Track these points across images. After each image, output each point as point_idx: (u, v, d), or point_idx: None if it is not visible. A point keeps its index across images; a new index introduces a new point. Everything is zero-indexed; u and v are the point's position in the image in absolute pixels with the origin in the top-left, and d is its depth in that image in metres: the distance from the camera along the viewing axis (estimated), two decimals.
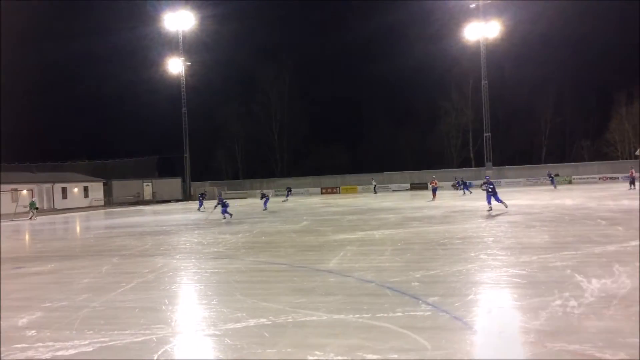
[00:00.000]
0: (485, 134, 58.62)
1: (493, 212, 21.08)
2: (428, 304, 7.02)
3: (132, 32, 74.03)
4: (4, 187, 41.47)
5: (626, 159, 59.26)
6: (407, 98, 75.43)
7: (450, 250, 11.87)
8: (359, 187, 60.46)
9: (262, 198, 33.35)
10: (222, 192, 40.84)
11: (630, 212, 18.49)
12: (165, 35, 62.76)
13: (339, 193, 59.12)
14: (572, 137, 72.20)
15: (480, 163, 63.17)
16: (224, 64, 74.97)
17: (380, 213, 24.41)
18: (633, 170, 37.19)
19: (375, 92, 77.79)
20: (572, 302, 6.67)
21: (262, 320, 6.59)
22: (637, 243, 11.26)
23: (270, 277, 10.01)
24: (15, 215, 36.78)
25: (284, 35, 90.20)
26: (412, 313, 6.61)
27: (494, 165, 58.70)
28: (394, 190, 58.38)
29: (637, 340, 5.14)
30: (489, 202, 21.67)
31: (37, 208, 35.44)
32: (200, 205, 35.39)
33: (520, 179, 55.01)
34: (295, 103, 75.02)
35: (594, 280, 7.79)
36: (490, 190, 21.70)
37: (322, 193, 59.14)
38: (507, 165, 60.92)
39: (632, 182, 35.19)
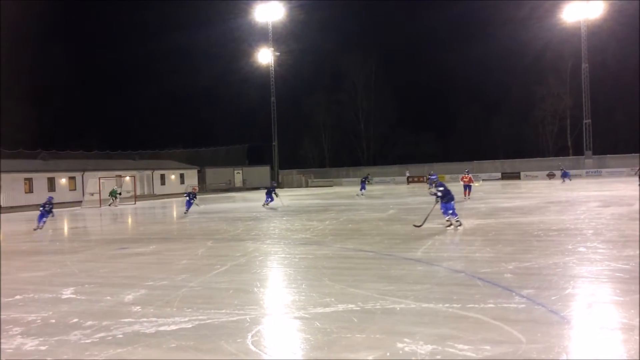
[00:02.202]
0: (584, 121, 55.18)
1: (593, 203, 19.83)
2: (522, 296, 6.78)
3: (224, 25, 76.69)
4: (109, 173, 44.60)
5: None
6: (498, 84, 72.37)
7: (545, 242, 11.35)
8: (447, 177, 59.07)
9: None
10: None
11: None
12: (255, 26, 64.33)
13: (426, 182, 58.12)
14: None
15: (578, 152, 59.60)
16: (312, 53, 75.67)
17: (470, 202, 23.75)
18: None
19: (464, 78, 75.22)
20: None
21: (350, 305, 6.67)
22: None
23: (358, 264, 10.08)
24: (120, 200, 39.44)
25: (370, 23, 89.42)
26: (504, 305, 6.42)
27: (594, 154, 55.16)
28: (483, 180, 56.52)
29: None
30: (445, 213, 14.82)
31: (119, 194, 37.59)
32: (189, 207, 24.98)
33: (624, 169, 51.20)
34: (382, 91, 74.35)
35: None
36: (439, 195, 14.85)
37: (407, 182, 58.37)
38: (609, 154, 56.90)
39: None
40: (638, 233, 11.77)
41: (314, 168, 72.82)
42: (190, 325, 6.10)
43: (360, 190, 35.76)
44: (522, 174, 56.11)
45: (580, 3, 52.76)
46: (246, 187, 60.00)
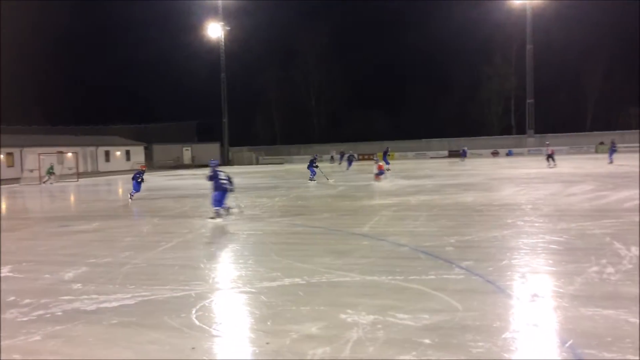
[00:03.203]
0: (528, 101, 57.00)
1: (531, 180, 20.67)
2: (461, 267, 7.04)
3: None
4: (50, 149, 42.89)
5: None
6: (448, 64, 73.47)
7: (486, 217, 11.78)
8: (397, 154, 59.99)
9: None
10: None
11: None
12: None
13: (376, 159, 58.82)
14: (620, 104, 69.27)
15: (521, 131, 61.64)
16: (263, 28, 74.36)
17: (417, 180, 24.25)
18: None
19: (415, 57, 75.93)
20: (609, 269, 6.58)
21: (296, 279, 6.75)
22: None
23: (306, 239, 10.18)
24: (61, 177, 38.04)
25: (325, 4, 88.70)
26: (444, 276, 6.65)
27: (536, 132, 57.18)
28: (431, 158, 57.76)
29: None
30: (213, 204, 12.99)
31: (53, 173, 36.28)
32: (136, 189, 19.41)
33: (564, 147, 53.39)
34: (334, 68, 74.22)
35: (633, 248, 7.63)
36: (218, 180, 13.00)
37: (359, 159, 58.89)
38: (551, 133, 59.15)
39: None
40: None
41: (265, 145, 72.32)
42: (133, 302, 6.03)
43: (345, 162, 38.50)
44: (468, 152, 57.61)
45: None
46: (195, 164, 59.06)
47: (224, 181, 12.80)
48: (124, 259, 8.54)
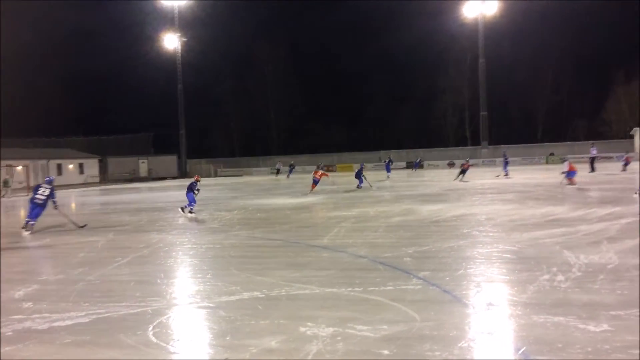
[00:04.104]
0: (481, 113, 58.56)
1: (487, 191, 21.21)
2: (419, 278, 7.15)
3: (126, 6, 73.00)
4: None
5: (621, 138, 59.33)
6: (405, 76, 75.05)
7: (443, 227, 12.01)
8: (355, 166, 60.52)
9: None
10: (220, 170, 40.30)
11: (623, 191, 18.64)
12: (161, 9, 61.95)
13: (335, 171, 59.14)
14: (569, 116, 72.08)
15: (476, 142, 63.24)
16: (221, 40, 74.26)
17: (376, 191, 24.52)
18: (629, 155, 36.59)
19: (374, 69, 77.31)
20: (560, 277, 6.81)
21: (255, 293, 6.71)
22: (629, 220, 11.41)
23: (265, 252, 10.13)
24: (12, 191, 36.65)
25: (282, 11, 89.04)
26: (403, 287, 6.74)
27: (490, 144, 58.77)
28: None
29: (621, 312, 5.27)
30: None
31: (9, 187, 35.15)
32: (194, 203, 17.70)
33: (516, 158, 55.01)
34: (292, 80, 74.55)
35: (581, 256, 7.93)
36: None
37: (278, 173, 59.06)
38: (504, 144, 60.89)
39: (625, 164, 34.31)
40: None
41: (224, 157, 71.73)
42: (87, 320, 5.86)
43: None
44: (425, 163, 58.67)
45: (477, 0, 55.77)
46: (152, 177, 57.96)
47: (40, 197, 13.97)
48: (77, 275, 8.29)
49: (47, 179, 14.57)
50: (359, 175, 26.64)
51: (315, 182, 24.42)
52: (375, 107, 75.15)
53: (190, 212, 16.47)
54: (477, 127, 62.28)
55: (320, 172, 25.25)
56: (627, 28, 65.40)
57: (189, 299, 6.79)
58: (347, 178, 40.38)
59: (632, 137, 53.89)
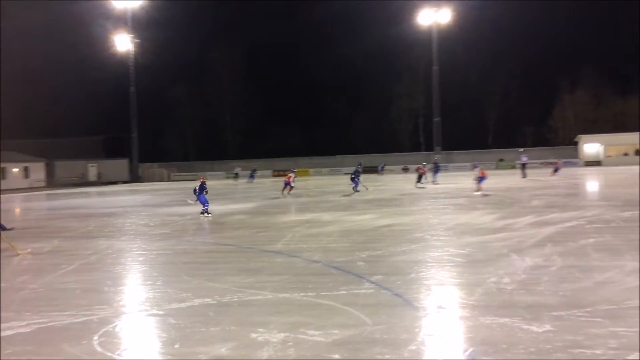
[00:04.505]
0: (434, 119, 59.77)
1: (440, 195, 21.64)
2: (371, 282, 7.21)
3: (76, 6, 70.81)
4: None
5: (567, 145, 61.75)
6: (362, 82, 75.81)
7: (396, 232, 12.17)
8: (311, 170, 60.68)
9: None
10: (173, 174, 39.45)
11: (566, 196, 19.38)
12: (113, 10, 60.45)
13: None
14: (518, 123, 74.50)
15: (430, 147, 64.45)
16: (176, 42, 72.84)
17: (331, 196, 24.63)
18: (559, 162, 38.60)
19: (331, 75, 77.59)
20: (506, 279, 7.00)
21: (207, 300, 6.61)
22: (572, 224, 11.87)
23: (218, 258, 10.01)
24: None
25: (239, 14, 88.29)
26: (355, 291, 6.78)
27: (443, 149, 60.01)
28: (345, 174, 58.87)
29: (563, 313, 5.46)
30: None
31: None
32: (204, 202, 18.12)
33: (467, 163, 56.44)
34: (249, 84, 74.12)
35: (527, 259, 8.19)
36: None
37: (273, 176, 58.95)
38: (456, 150, 62.38)
39: (555, 170, 36.06)
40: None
41: (177, 162, 70.54)
42: (29, 330, 5.63)
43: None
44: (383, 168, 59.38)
45: (431, 9, 57.03)
46: (102, 182, 56.40)
47: None
48: (19, 283, 7.96)
49: None
50: (354, 179, 25.92)
51: (287, 185, 24.74)
52: (332, 112, 75.62)
53: (208, 212, 16.73)
54: (431, 132, 63.51)
55: (291, 175, 25.52)
56: (573, 39, 68.43)
57: (138, 307, 6.63)
58: (304, 182, 40.44)
59: (576, 143, 56.16)
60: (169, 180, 60.75)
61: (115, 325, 5.80)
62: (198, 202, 16.93)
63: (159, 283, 7.77)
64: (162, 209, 20.74)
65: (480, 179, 22.41)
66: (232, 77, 74.47)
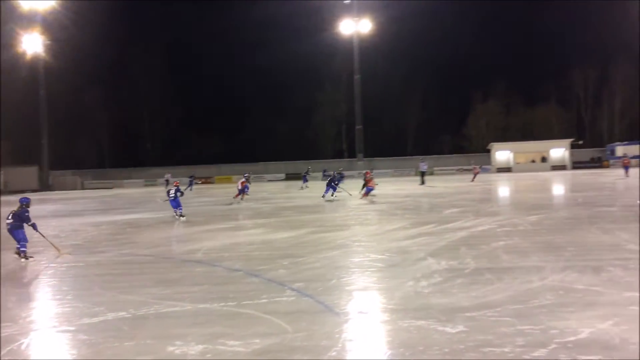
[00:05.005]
0: (357, 127, 60.94)
1: (362, 202, 22.07)
2: (293, 289, 7.20)
3: None
4: None
5: (481, 152, 64.95)
6: (285, 89, 75.91)
7: (319, 238, 12.24)
8: (234, 177, 59.95)
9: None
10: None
11: (480, 201, 20.37)
12: (23, 11, 56.87)
13: (214, 183, 58.11)
14: (436, 131, 77.57)
15: (353, 154, 65.62)
16: (92, 45, 69.43)
17: (255, 203, 24.44)
18: (477, 167, 41.11)
19: (253, 81, 77.12)
20: (423, 283, 7.23)
21: (121, 313, 6.33)
22: (484, 228, 12.46)
23: (134, 269, 9.62)
24: None
25: (158, 17, 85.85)
26: (277, 299, 6.74)
27: (365, 156, 61.29)
28: (269, 181, 58.72)
29: (475, 314, 5.71)
30: None
31: None
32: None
33: (389, 170, 57.98)
34: (169, 89, 72.22)
35: (443, 262, 8.50)
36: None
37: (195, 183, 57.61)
38: (377, 157, 63.89)
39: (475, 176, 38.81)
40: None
41: (92, 169, 67.30)
42: None
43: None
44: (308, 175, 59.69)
45: (352, 19, 58.30)
46: (8, 190, 52.69)
47: None
48: None
49: None
50: (332, 184, 25.02)
51: (240, 191, 24.60)
52: (254, 118, 75.26)
53: (182, 215, 17.50)
54: (353, 140, 64.69)
55: (243, 180, 25.32)
56: (485, 53, 72.33)
57: (46, 323, 6.25)
58: (226, 190, 39.88)
59: (489, 151, 59.20)
60: (82, 188, 57.93)
61: (22, 343, 5.42)
62: (169, 203, 17.89)
63: (69, 297, 7.36)
64: (74, 219, 19.68)
65: (367, 188, 23.14)
66: (150, 82, 72.20)
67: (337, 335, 5.31)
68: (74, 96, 68.26)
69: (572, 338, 4.88)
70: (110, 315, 6.26)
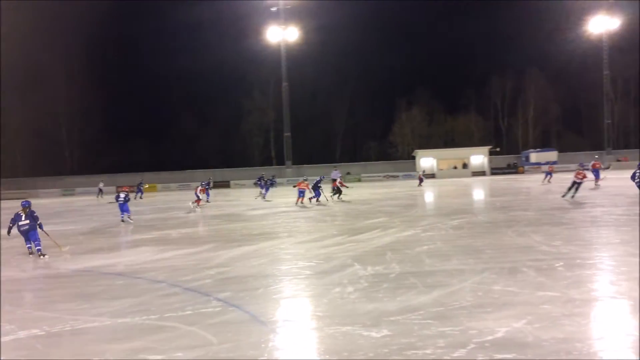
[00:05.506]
0: (285, 134, 61.04)
1: (291, 209, 22.07)
2: (219, 300, 7.06)
3: None
4: None
5: (406, 159, 66.91)
6: (212, 96, 74.91)
7: (246, 246, 12.09)
8: (159, 186, 58.33)
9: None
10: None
11: (406, 207, 20.91)
12: None
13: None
14: (362, 138, 79.20)
15: (281, 162, 65.62)
16: (4, 46, 65.40)
17: (181, 212, 23.87)
18: (420, 174, 43.05)
19: (179, 87, 75.56)
20: (349, 288, 7.31)
21: (34, 331, 5.97)
22: (409, 233, 12.80)
23: (49, 283, 9.10)
24: None
25: (77, 18, 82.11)
26: (202, 310, 6.59)
27: (293, 164, 61.45)
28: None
29: (399, 317, 5.83)
30: None
31: None
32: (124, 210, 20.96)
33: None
34: (89, 95, 69.11)
35: (369, 268, 8.64)
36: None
37: (117, 192, 55.52)
38: (306, 164, 64.29)
39: (421, 180, 41.26)
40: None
41: (4, 178, 63.14)
42: None
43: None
44: (231, 182, 59.05)
45: (279, 26, 58.45)
46: None
47: None
48: None
49: None
50: (316, 188, 26.19)
51: (198, 197, 24.93)
52: (180, 125, 73.67)
53: (130, 219, 19.02)
54: (281, 147, 64.73)
55: (200, 187, 25.86)
56: (409, 62, 74.70)
57: None
58: (152, 198, 38.68)
59: (414, 158, 61.04)
60: None
61: None
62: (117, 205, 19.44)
63: None
64: None
65: (300, 192, 24.37)
66: (69, 86, 68.94)
67: (263, 345, 5.26)
68: None
69: (489, 337, 5.09)
70: (22, 334, 5.89)
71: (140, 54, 76.74)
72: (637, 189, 18.09)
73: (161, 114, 75.81)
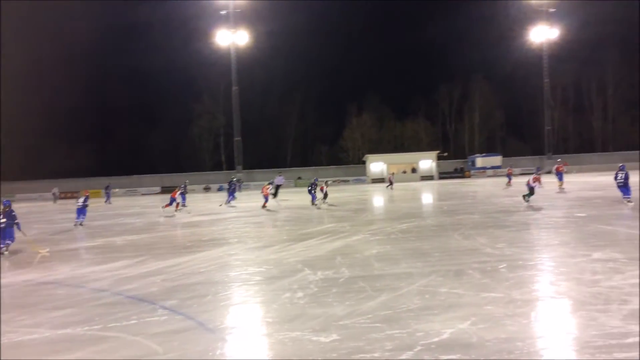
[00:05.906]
0: (235, 138, 60.50)
1: (241, 214, 21.86)
2: (165, 308, 6.90)
3: None
4: None
5: (356, 164, 67.54)
6: (160, 99, 73.42)
7: (194, 253, 11.88)
8: (103, 192, 56.54)
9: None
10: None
11: (356, 212, 21.10)
12: None
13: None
14: (313, 143, 79.48)
15: (231, 166, 64.96)
16: None
17: (126, 218, 23.23)
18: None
19: (126, 90, 73.60)
20: (299, 294, 7.30)
21: None
22: (359, 237, 12.90)
23: None
24: None
25: (15, 16, 78.70)
26: (147, 319, 6.42)
27: (244, 168, 60.95)
28: (143, 194, 56.23)
29: (348, 322, 5.86)
30: None
31: None
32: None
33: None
34: (27, 95, 66.48)
35: (319, 272, 8.65)
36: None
37: (60, 198, 53.52)
38: (257, 168, 63.92)
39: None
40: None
41: None
42: None
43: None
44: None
45: (229, 30, 57.99)
46: None
47: None
48: None
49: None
50: (311, 191, 26.03)
51: (172, 200, 24.43)
52: (126, 129, 71.83)
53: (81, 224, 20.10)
54: (232, 151, 64.09)
55: (176, 190, 25.36)
56: (359, 69, 75.60)
57: None
58: (96, 205, 37.47)
59: (365, 162, 61.71)
60: None
61: None
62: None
63: None
64: None
65: (265, 198, 24.39)
66: (7, 87, 65.90)
67: (211, 353, 5.17)
68: None
69: (435, 339, 5.19)
70: None
71: (85, 54, 74.28)
72: (590, 192, 18.71)
73: (107, 116, 73.62)
